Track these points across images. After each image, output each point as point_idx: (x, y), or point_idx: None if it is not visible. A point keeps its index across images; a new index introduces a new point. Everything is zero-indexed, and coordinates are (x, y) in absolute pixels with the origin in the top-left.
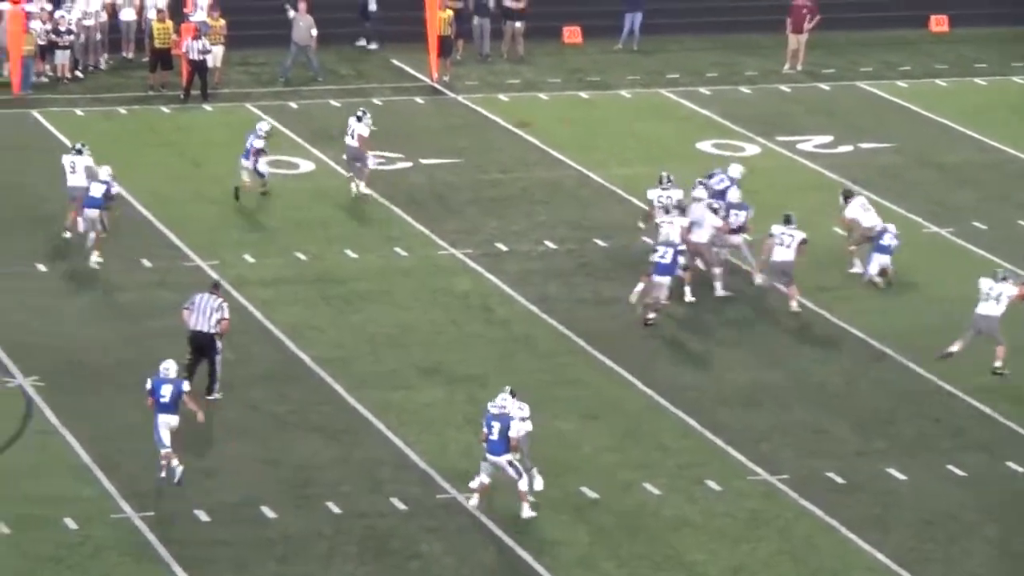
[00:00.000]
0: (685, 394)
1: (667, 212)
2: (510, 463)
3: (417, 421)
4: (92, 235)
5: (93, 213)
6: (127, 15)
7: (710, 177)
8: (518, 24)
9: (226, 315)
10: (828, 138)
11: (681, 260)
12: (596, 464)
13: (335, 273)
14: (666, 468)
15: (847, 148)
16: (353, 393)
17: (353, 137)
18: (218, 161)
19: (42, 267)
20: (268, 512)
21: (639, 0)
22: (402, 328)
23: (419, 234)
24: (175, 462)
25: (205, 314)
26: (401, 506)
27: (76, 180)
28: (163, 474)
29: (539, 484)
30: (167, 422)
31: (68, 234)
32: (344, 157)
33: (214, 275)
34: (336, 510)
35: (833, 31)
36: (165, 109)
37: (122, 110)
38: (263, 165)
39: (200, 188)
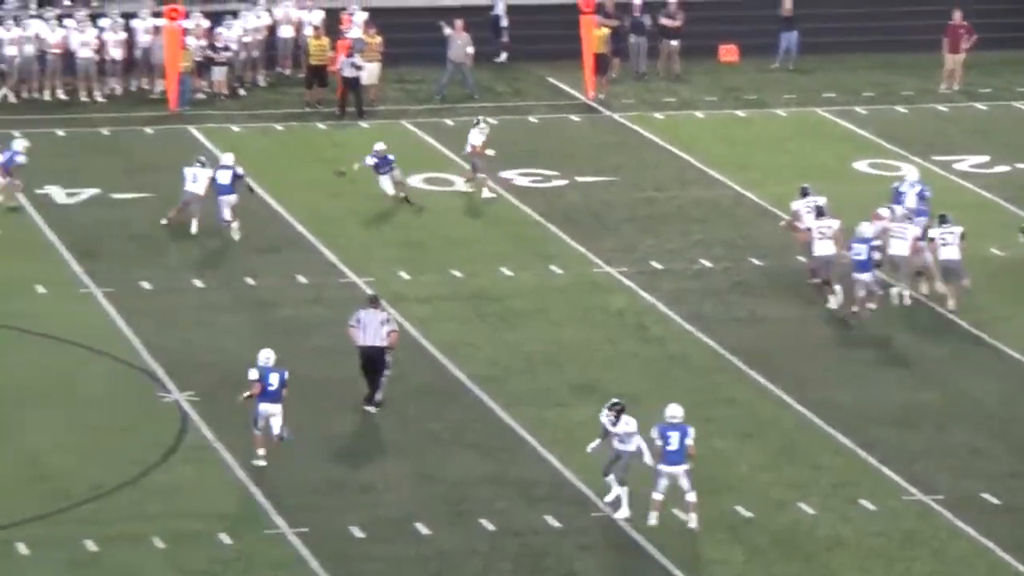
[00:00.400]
0: (839, 412)
1: (818, 217)
2: (687, 472)
3: (571, 439)
4: (235, 223)
5: (231, 199)
6: (285, 32)
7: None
8: (674, 42)
9: (394, 327)
10: (984, 158)
11: (876, 256)
12: (751, 483)
13: (490, 291)
14: (820, 487)
15: (1004, 168)
16: (508, 411)
17: (469, 145)
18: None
19: (198, 283)
20: (423, 528)
21: (795, 19)
22: (557, 346)
23: (575, 252)
24: (263, 451)
25: (373, 329)
26: (555, 524)
27: (195, 188)
28: (261, 457)
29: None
30: (269, 411)
31: (165, 222)
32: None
33: (369, 291)
34: (490, 527)
35: (990, 51)
36: (321, 126)
37: (278, 127)
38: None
39: (355, 205)
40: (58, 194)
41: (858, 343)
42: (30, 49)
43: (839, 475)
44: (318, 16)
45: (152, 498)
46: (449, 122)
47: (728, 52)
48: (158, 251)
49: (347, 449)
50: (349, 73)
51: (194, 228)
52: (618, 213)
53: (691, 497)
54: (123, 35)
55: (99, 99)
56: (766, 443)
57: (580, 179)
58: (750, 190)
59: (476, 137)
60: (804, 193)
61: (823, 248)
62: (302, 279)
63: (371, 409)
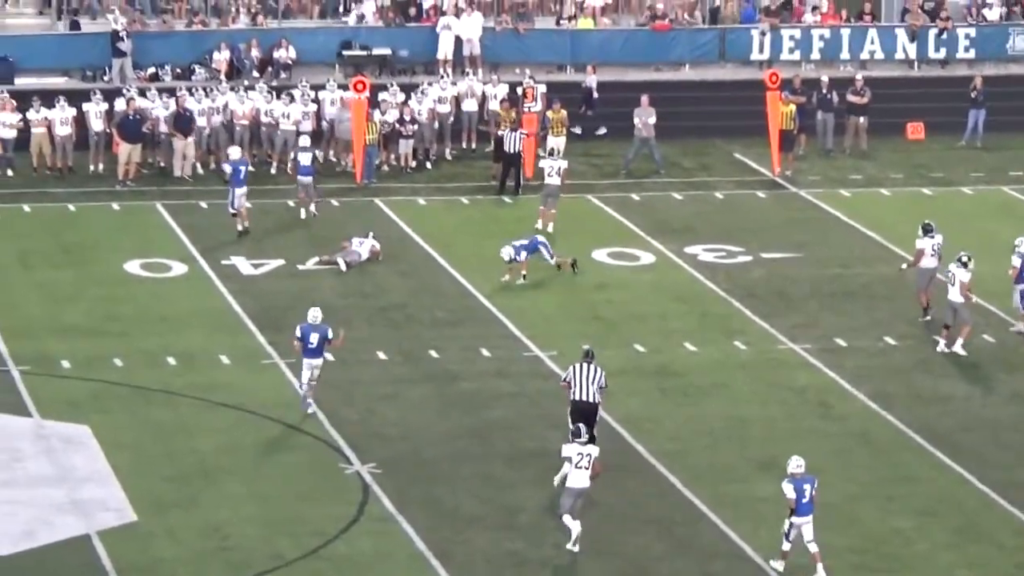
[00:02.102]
0: (1022, 491)
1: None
2: (810, 523)
3: (753, 515)
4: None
5: (307, 180)
6: (469, 106)
7: None
8: (861, 119)
9: (603, 383)
10: None
11: None
12: (931, 562)
13: (673, 366)
14: (1003, 568)
15: None
16: (689, 486)
17: (557, 174)
18: (560, 251)
19: (382, 355)
20: None
21: (984, 97)
22: (739, 421)
23: (758, 328)
24: (311, 398)
25: (587, 383)
26: None
27: (360, 250)
28: (310, 404)
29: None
30: (312, 364)
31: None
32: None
33: (552, 365)
34: None
35: None
36: (507, 199)
37: (464, 200)
38: None
39: (540, 279)
40: (243, 265)
41: None
42: (218, 120)
43: (1022, 555)
44: (503, 89)
45: (333, 570)
46: (635, 196)
47: (915, 129)
48: (342, 322)
49: (528, 523)
50: (510, 148)
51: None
52: (802, 289)
53: (814, 548)
54: (312, 107)
55: (289, 171)
56: (947, 522)
57: (765, 255)
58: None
59: (563, 163)
60: (927, 231)
61: (929, 262)
62: (486, 352)
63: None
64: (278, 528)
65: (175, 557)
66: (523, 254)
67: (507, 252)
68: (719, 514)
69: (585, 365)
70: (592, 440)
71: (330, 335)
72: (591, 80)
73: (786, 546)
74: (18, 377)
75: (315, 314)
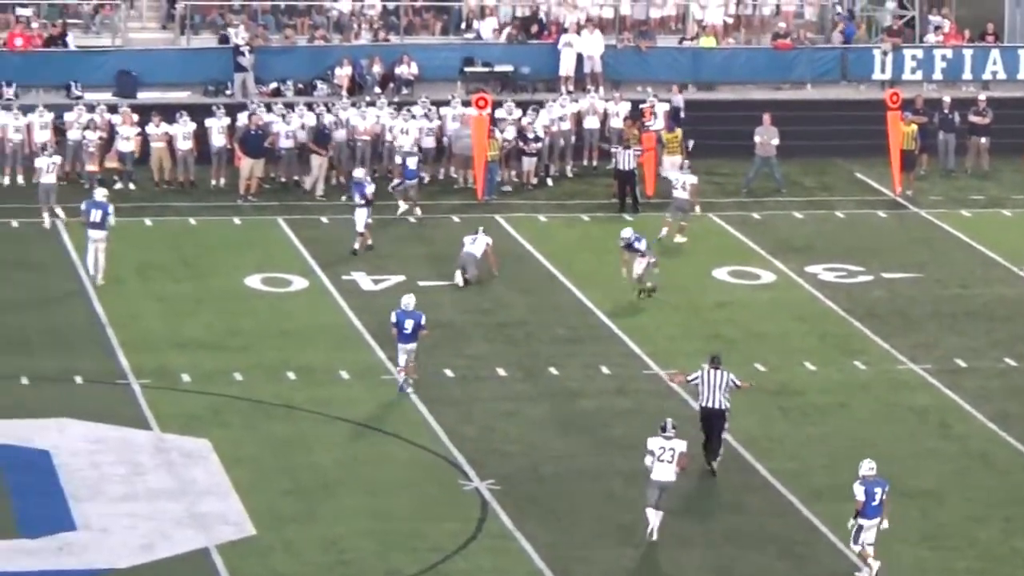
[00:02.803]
0: None
1: None
2: (878, 526)
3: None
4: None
5: (412, 183)
6: (590, 123)
7: None
8: (983, 140)
9: (738, 382)
10: None
11: None
12: None
13: (793, 385)
14: None
15: None
16: (808, 505)
17: (684, 188)
18: (679, 270)
19: (501, 371)
20: None
21: None
22: (859, 441)
23: (878, 348)
24: (404, 376)
25: (716, 389)
26: None
27: (473, 249)
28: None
29: None
30: (406, 349)
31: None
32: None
33: (672, 384)
34: None
35: None
36: (628, 217)
37: (585, 217)
38: None
39: (661, 297)
40: (364, 280)
41: None
42: (340, 135)
43: None
44: (624, 107)
45: None
46: (756, 215)
47: None
48: (462, 339)
49: (643, 541)
50: (625, 166)
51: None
52: (923, 309)
53: (871, 549)
54: (433, 123)
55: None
56: None
57: (885, 275)
58: None
59: (692, 177)
60: None
61: None
62: (606, 370)
63: (713, 467)
64: (396, 543)
65: (293, 571)
66: (643, 243)
67: (627, 232)
68: (838, 534)
69: (713, 371)
70: (717, 446)
71: (423, 322)
72: (678, 99)
73: (866, 550)
74: (139, 391)
75: (407, 301)
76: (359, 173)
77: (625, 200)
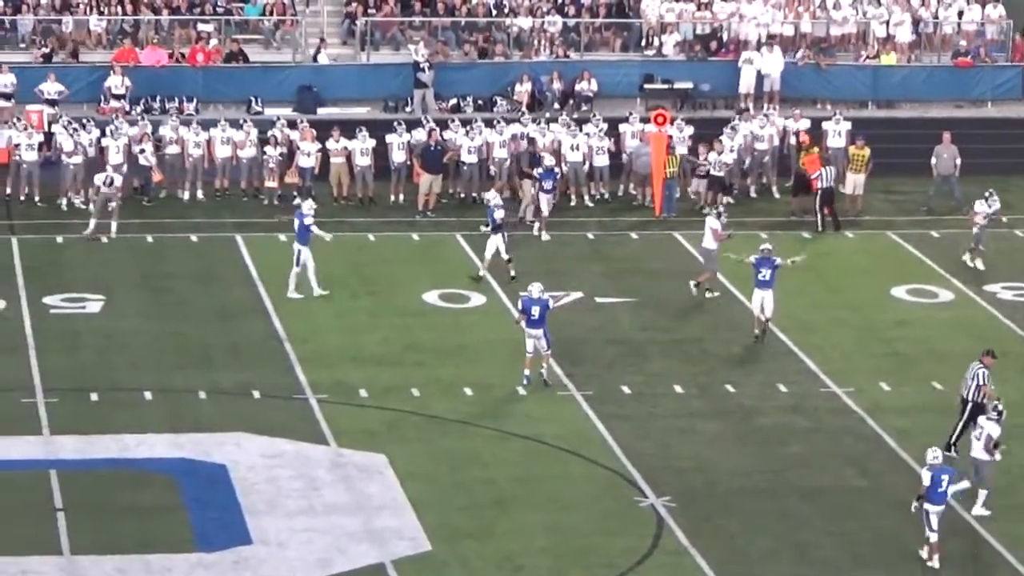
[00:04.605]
0: None
1: None
2: (940, 514)
3: None
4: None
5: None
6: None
7: None
8: None
9: (982, 381)
10: None
11: None
12: None
13: None
14: None
15: None
16: (985, 525)
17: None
18: (857, 288)
19: (678, 388)
20: None
21: None
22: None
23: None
24: (529, 371)
25: (967, 382)
26: None
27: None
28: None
29: None
30: (533, 335)
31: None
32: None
33: (849, 402)
34: None
35: None
36: (805, 235)
37: (762, 234)
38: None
39: (838, 315)
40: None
41: None
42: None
43: None
44: (805, 124)
45: None
46: (935, 234)
47: None
48: (639, 356)
49: (820, 559)
50: (823, 183)
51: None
52: None
53: (934, 538)
54: (602, 141)
55: (587, 203)
56: None
57: None
58: None
59: (714, 223)
60: None
61: None
62: (782, 387)
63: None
64: (572, 560)
65: None
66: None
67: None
68: (1015, 554)
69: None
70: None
71: (551, 305)
72: (802, 123)
73: (932, 536)
74: (316, 406)
75: (533, 288)
76: (494, 198)
77: (826, 218)
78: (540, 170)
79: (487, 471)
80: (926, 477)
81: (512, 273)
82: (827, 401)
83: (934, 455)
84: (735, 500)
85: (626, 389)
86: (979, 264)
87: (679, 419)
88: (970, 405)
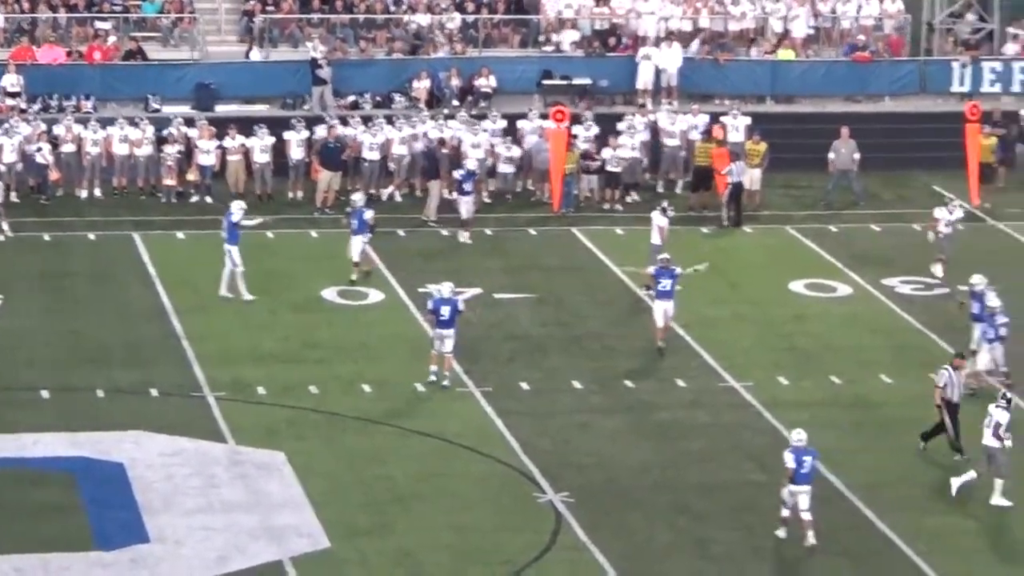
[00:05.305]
0: None
1: None
2: (808, 493)
3: (948, 548)
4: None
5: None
6: (667, 137)
7: None
8: None
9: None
10: None
11: None
12: None
13: (870, 398)
14: None
15: None
16: (884, 518)
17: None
18: (756, 283)
19: (577, 384)
20: None
21: None
22: (935, 453)
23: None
24: (435, 367)
25: (958, 385)
26: None
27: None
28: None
29: None
30: (443, 335)
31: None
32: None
33: (747, 396)
34: None
35: None
36: (704, 230)
37: None
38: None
39: (737, 310)
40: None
41: None
42: (418, 147)
43: None
44: (703, 120)
45: None
46: (833, 228)
47: None
48: (538, 352)
49: (721, 554)
50: (732, 179)
51: None
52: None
53: (807, 516)
54: (488, 139)
55: (486, 199)
56: None
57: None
58: None
59: (661, 220)
60: None
61: None
62: (681, 383)
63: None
64: (471, 556)
65: None
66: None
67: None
68: (913, 547)
69: (955, 372)
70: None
71: (461, 307)
72: (700, 119)
73: (785, 512)
74: (214, 404)
75: (444, 287)
76: (359, 200)
77: (730, 214)
78: (461, 173)
79: (386, 468)
80: (789, 459)
81: (353, 277)
82: (726, 396)
83: (798, 437)
84: (634, 495)
85: (525, 385)
86: (938, 271)
87: (578, 415)
88: (946, 405)
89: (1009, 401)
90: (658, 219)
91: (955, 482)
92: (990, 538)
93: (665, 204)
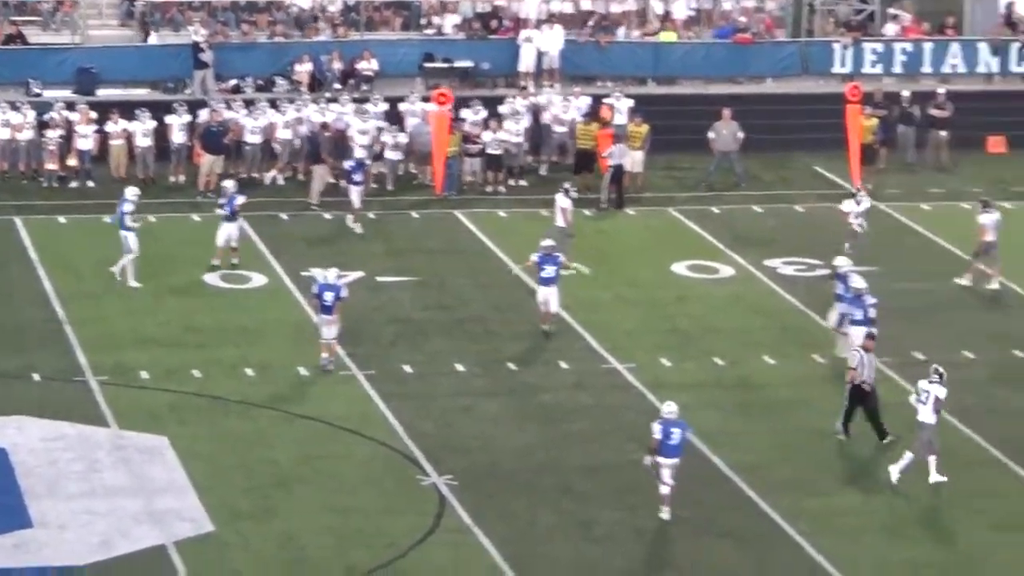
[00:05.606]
0: None
1: None
2: (676, 466)
3: (831, 529)
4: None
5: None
6: (549, 119)
7: None
8: (943, 133)
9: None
10: None
11: None
12: (1010, 574)
13: (753, 379)
14: None
15: None
16: (766, 499)
17: (562, 214)
18: (638, 265)
19: (460, 367)
20: None
21: None
22: (819, 435)
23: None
24: (327, 355)
25: (871, 368)
26: None
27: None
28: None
29: None
30: (327, 320)
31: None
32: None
33: (630, 378)
34: None
35: None
36: (587, 212)
37: (544, 212)
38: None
39: (620, 292)
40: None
41: None
42: (303, 132)
43: None
44: (584, 102)
45: None
46: (715, 210)
47: (996, 143)
48: (421, 335)
49: (604, 535)
50: (612, 161)
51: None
52: (881, 303)
53: (666, 490)
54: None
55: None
56: None
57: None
58: (1014, 281)
59: (564, 201)
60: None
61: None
62: (564, 365)
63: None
64: (355, 539)
65: (251, 568)
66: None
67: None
68: (795, 527)
69: (870, 354)
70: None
71: (343, 293)
72: (581, 101)
73: (664, 489)
74: (97, 388)
75: (326, 273)
76: (231, 187)
77: (611, 195)
78: (350, 163)
79: (269, 452)
80: (656, 430)
81: (235, 260)
82: (609, 378)
83: (669, 409)
84: (518, 478)
85: (408, 368)
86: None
87: (461, 398)
88: (849, 387)
89: (942, 376)
90: (562, 201)
91: (894, 469)
92: (873, 518)
93: (568, 185)
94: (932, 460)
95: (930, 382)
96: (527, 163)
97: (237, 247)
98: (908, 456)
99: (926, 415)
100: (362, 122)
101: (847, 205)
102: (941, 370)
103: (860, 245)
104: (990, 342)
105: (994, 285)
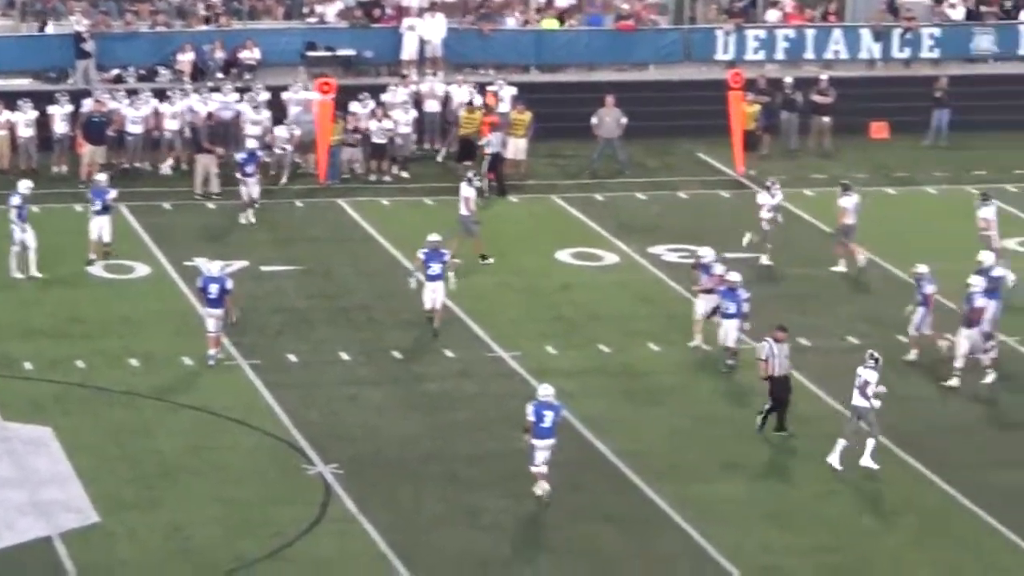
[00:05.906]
0: (986, 492)
1: None
2: (551, 447)
3: (715, 515)
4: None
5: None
6: (432, 107)
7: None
8: (825, 119)
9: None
10: None
11: None
12: (898, 560)
13: (637, 366)
14: (967, 567)
15: None
16: (651, 486)
17: (465, 204)
18: (523, 253)
19: (344, 356)
20: None
21: (947, 97)
22: (703, 422)
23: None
24: (214, 351)
25: (782, 360)
26: None
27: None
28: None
29: None
30: (212, 314)
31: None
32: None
33: (515, 366)
34: None
35: None
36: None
37: (428, 200)
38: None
39: (505, 280)
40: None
41: (1005, 423)
42: (187, 121)
43: (990, 556)
44: (467, 90)
45: (295, 571)
46: (599, 197)
47: (879, 129)
48: (305, 324)
49: (491, 523)
50: (491, 149)
51: None
52: (766, 290)
53: (543, 470)
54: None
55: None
56: (912, 521)
57: (728, 255)
58: (898, 267)
59: (468, 191)
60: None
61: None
62: (449, 353)
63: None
64: (241, 529)
65: (137, 558)
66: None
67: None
68: (681, 514)
69: (774, 343)
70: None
71: (228, 285)
72: (464, 89)
73: (542, 470)
74: None
75: (211, 267)
76: (102, 180)
77: (491, 183)
78: (242, 156)
79: (154, 442)
80: (530, 412)
81: (93, 257)
82: (494, 366)
83: (544, 392)
84: (404, 466)
85: (292, 358)
86: (765, 260)
87: (346, 387)
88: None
89: (877, 360)
90: (465, 190)
91: (832, 458)
92: (757, 506)
93: (471, 174)
94: (870, 443)
95: (864, 367)
96: (414, 152)
97: (110, 242)
98: (841, 443)
99: (857, 399)
100: (255, 114)
101: (762, 197)
102: (876, 355)
103: (768, 236)
104: (873, 327)
105: (861, 262)
